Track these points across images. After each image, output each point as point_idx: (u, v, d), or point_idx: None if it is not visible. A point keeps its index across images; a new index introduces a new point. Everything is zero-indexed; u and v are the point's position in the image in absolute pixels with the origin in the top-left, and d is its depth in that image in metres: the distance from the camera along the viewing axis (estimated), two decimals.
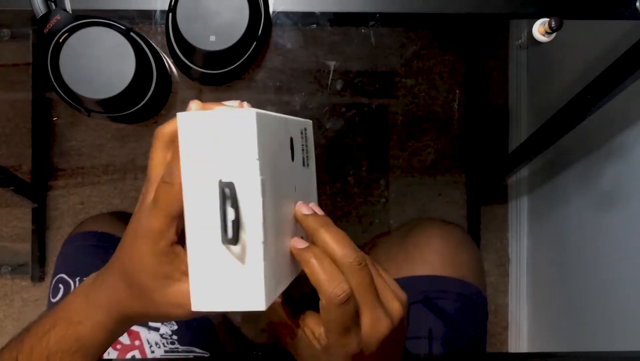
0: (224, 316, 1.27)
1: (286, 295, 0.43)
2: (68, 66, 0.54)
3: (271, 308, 0.41)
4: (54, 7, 0.55)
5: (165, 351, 0.78)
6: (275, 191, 0.36)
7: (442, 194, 1.42)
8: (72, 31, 0.54)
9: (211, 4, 0.54)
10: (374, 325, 0.39)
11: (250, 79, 0.64)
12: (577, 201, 1.14)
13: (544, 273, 1.33)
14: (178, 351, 0.79)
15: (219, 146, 0.34)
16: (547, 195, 1.30)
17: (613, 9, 0.59)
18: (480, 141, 1.43)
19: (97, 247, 0.84)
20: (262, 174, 0.34)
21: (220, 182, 0.33)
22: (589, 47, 1.03)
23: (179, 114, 0.35)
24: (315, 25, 0.62)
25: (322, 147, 1.19)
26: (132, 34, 0.56)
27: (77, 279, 0.80)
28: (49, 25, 0.54)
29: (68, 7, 0.56)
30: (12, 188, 1.21)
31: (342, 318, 0.38)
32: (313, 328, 0.41)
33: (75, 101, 0.56)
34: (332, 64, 1.09)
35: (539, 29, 0.60)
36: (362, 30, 0.64)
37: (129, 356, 0.76)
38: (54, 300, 0.82)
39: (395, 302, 0.41)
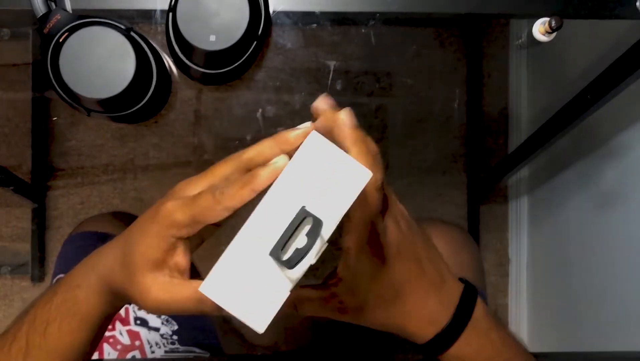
0: (224, 316, 1.27)
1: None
2: (68, 66, 0.54)
3: (309, 303, 0.43)
4: (54, 7, 0.55)
5: (166, 352, 0.78)
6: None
7: (442, 194, 1.42)
8: (72, 31, 0.54)
9: (211, 4, 0.54)
10: (388, 210, 0.41)
11: (250, 79, 0.65)
12: (577, 201, 1.14)
13: (544, 273, 1.33)
14: (178, 352, 0.79)
15: (324, 180, 0.35)
16: (547, 195, 1.30)
17: (613, 9, 0.59)
18: (480, 141, 1.43)
19: (97, 247, 0.84)
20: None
21: (306, 210, 0.35)
22: (589, 47, 1.03)
23: (315, 133, 0.36)
24: (315, 25, 0.62)
25: None
26: (132, 33, 0.56)
27: None
28: (49, 25, 0.54)
29: (68, 7, 0.56)
30: (12, 188, 1.21)
31: (374, 205, 0.39)
32: (346, 244, 0.41)
33: (75, 100, 0.56)
34: (332, 64, 1.09)
35: (539, 29, 0.60)
36: (362, 30, 0.64)
37: (129, 356, 0.76)
38: None
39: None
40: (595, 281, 1.08)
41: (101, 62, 0.54)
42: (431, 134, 1.39)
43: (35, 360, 0.45)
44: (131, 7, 0.58)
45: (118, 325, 0.77)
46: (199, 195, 0.38)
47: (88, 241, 0.84)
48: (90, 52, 0.54)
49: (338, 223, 0.35)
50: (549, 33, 0.60)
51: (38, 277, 1.38)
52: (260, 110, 1.17)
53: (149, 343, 0.77)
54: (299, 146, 0.36)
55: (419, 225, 0.45)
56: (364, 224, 0.40)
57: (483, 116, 1.43)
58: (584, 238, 1.12)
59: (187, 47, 0.56)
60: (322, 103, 0.40)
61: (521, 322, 1.40)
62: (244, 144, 0.40)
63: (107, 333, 0.76)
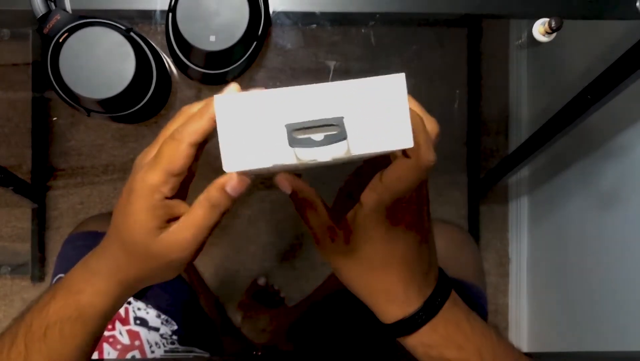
0: (224, 316, 1.27)
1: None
2: (68, 66, 0.54)
3: (314, 212, 0.42)
4: (54, 7, 0.55)
5: (165, 351, 0.78)
6: None
7: (442, 194, 1.42)
8: (72, 31, 0.54)
9: (211, 4, 0.54)
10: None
11: (250, 78, 0.64)
12: (577, 201, 1.14)
13: (544, 273, 1.33)
14: (178, 351, 0.79)
15: (376, 117, 0.35)
16: (547, 195, 1.30)
17: (613, 9, 0.59)
18: (480, 141, 1.43)
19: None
20: None
21: (342, 120, 0.34)
22: (589, 47, 1.03)
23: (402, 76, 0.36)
24: (315, 25, 0.62)
25: None
26: (132, 34, 0.56)
27: None
28: (49, 26, 0.54)
29: (68, 7, 0.56)
30: (12, 188, 1.21)
31: (416, 183, 0.40)
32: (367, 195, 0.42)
33: (75, 100, 0.56)
34: (332, 64, 1.09)
35: (539, 29, 0.60)
36: (362, 30, 0.64)
37: (129, 356, 0.76)
38: None
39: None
40: (595, 281, 1.08)
41: (101, 62, 0.54)
42: None
43: None
44: (131, 7, 0.58)
45: (118, 324, 0.77)
46: (160, 148, 0.39)
47: (88, 241, 0.84)
48: (90, 52, 0.54)
49: (358, 155, 0.35)
50: (549, 33, 0.60)
51: (38, 277, 1.38)
52: None
53: (148, 343, 0.77)
54: None
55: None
56: (392, 195, 0.40)
57: (483, 116, 1.43)
58: (584, 238, 1.11)
59: (187, 47, 0.56)
60: None
61: (521, 322, 1.40)
62: None
63: (107, 333, 0.76)
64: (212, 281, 1.36)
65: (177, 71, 0.63)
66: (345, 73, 1.29)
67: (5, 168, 1.17)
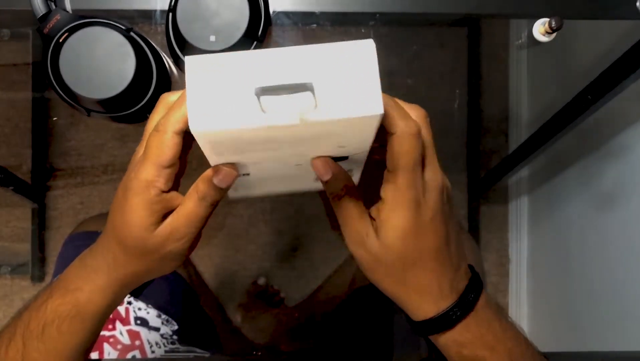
0: (224, 316, 1.27)
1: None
2: (68, 66, 0.54)
3: (353, 201, 0.41)
4: (54, 7, 0.55)
5: (166, 351, 0.78)
6: None
7: None
8: (72, 31, 0.54)
9: (211, 4, 0.54)
10: (434, 174, 0.40)
11: None
12: (577, 201, 1.14)
13: (544, 273, 1.33)
14: (178, 351, 0.79)
15: (346, 83, 0.34)
16: (547, 195, 1.30)
17: (613, 9, 0.59)
18: (480, 141, 1.43)
19: None
20: None
21: (312, 87, 0.34)
22: (589, 47, 1.03)
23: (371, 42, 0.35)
24: (315, 25, 0.62)
25: None
26: (132, 34, 0.56)
27: None
28: (49, 26, 0.54)
29: (68, 7, 0.56)
30: (12, 188, 1.21)
31: (414, 152, 0.38)
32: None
33: (75, 100, 0.56)
34: None
35: (539, 29, 0.60)
36: (362, 30, 0.64)
37: (129, 356, 0.76)
38: None
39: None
40: (595, 280, 1.08)
41: (101, 62, 0.54)
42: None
43: None
44: (131, 7, 0.58)
45: (118, 324, 0.77)
46: (147, 143, 0.39)
47: (88, 241, 0.84)
48: (90, 52, 0.54)
49: (324, 120, 0.34)
50: (549, 33, 0.60)
51: (38, 277, 1.38)
52: None
53: (149, 343, 0.77)
54: None
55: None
56: (403, 175, 0.39)
57: (483, 115, 1.43)
58: (584, 238, 1.11)
59: (187, 47, 0.56)
60: None
61: (521, 322, 1.40)
62: None
63: (107, 333, 0.76)
64: (212, 281, 1.36)
65: (177, 71, 0.63)
66: None
67: (5, 168, 1.17)
